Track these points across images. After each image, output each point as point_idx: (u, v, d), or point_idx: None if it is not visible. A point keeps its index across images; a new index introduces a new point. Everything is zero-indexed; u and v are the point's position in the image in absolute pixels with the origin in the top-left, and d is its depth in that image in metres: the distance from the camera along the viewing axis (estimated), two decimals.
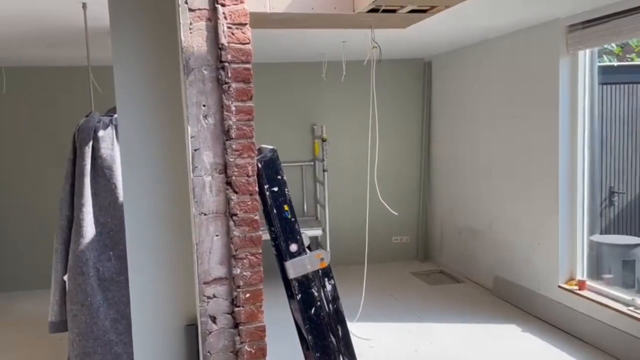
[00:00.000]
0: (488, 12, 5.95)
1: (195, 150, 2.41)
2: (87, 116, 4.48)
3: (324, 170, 8.49)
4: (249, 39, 2.43)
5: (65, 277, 4.50)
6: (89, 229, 4.40)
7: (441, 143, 9.26)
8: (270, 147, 2.59)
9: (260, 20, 5.53)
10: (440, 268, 9.25)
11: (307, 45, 7.67)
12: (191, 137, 2.40)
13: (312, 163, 9.33)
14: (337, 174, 9.06)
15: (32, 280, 8.24)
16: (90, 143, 4.38)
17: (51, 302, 4.66)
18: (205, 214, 2.41)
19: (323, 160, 8.49)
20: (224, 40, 2.40)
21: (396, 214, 6.47)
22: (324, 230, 8.47)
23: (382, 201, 6.08)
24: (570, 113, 6.15)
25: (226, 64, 2.40)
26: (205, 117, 2.42)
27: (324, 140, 8.48)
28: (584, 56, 6.08)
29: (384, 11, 5.36)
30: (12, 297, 8.26)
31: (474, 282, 8.31)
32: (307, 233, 2.77)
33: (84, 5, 4.28)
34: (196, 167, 2.42)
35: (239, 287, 2.44)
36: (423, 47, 8.47)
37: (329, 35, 6.80)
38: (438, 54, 9.14)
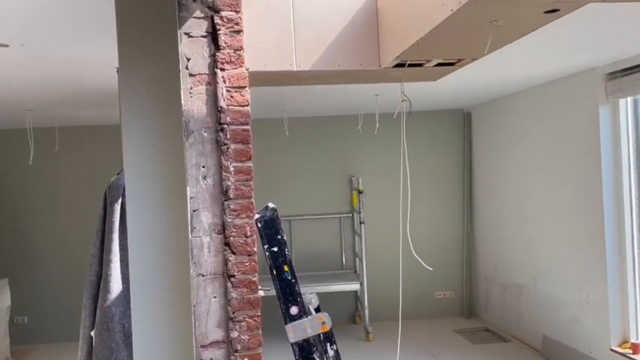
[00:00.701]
0: (523, 61, 5.86)
1: (194, 210, 2.42)
2: (118, 174, 4.63)
3: (360, 223, 8.39)
4: (248, 101, 2.47)
5: (93, 333, 4.55)
6: (116, 285, 4.46)
7: (483, 195, 9.00)
8: (272, 205, 2.57)
9: (288, 78, 5.67)
10: (486, 326, 8.80)
11: (342, 99, 7.76)
12: (190, 198, 2.42)
13: (350, 215, 9.25)
14: (375, 226, 8.93)
15: (66, 333, 8.41)
16: (120, 200, 4.52)
17: (78, 357, 4.71)
18: (203, 275, 2.39)
19: (360, 212, 8.41)
20: (223, 103, 2.44)
21: (431, 269, 6.25)
22: (361, 284, 8.28)
23: (416, 256, 5.92)
24: (614, 163, 5.86)
25: (225, 126, 2.44)
26: (204, 178, 2.44)
27: (360, 192, 8.42)
28: (626, 104, 5.83)
29: (410, 65, 5.40)
30: (46, 349, 8.45)
31: (521, 342, 7.83)
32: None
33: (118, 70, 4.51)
34: (195, 227, 2.42)
35: (236, 351, 2.38)
36: (461, 98, 8.40)
37: (363, 89, 6.86)
38: (477, 104, 9.04)
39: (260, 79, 5.74)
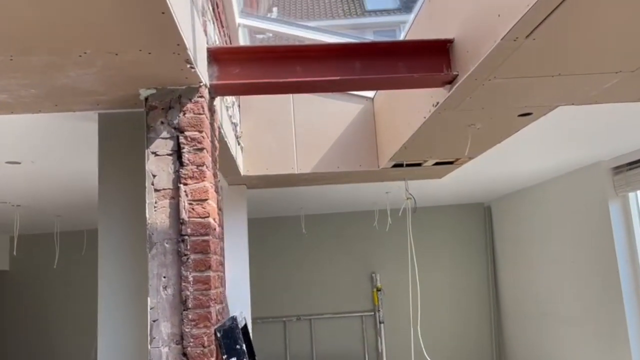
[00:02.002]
0: (531, 155, 5.90)
1: (154, 321, 2.49)
2: None
3: (380, 322, 8.17)
4: (209, 213, 2.60)
5: None
6: None
7: (508, 288, 8.69)
8: (232, 315, 2.61)
9: (290, 181, 5.88)
10: None
11: (356, 196, 7.88)
12: (150, 309, 2.50)
13: (372, 313, 9.03)
14: (396, 325, 8.66)
15: None
16: None
17: None
18: None
19: (379, 310, 8.21)
20: (184, 216, 2.58)
21: None
22: None
23: (428, 358, 5.70)
24: (630, 257, 5.64)
25: (186, 237, 2.56)
26: (165, 288, 2.53)
27: (379, 290, 8.28)
28: (636, 198, 5.71)
29: (410, 165, 5.53)
30: None
31: None
32: None
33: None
34: (154, 338, 2.47)
35: None
36: (481, 192, 8.40)
37: (373, 186, 6.97)
38: (496, 198, 8.98)
39: (263, 182, 6.01)
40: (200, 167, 2.64)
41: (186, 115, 2.67)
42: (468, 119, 3.69)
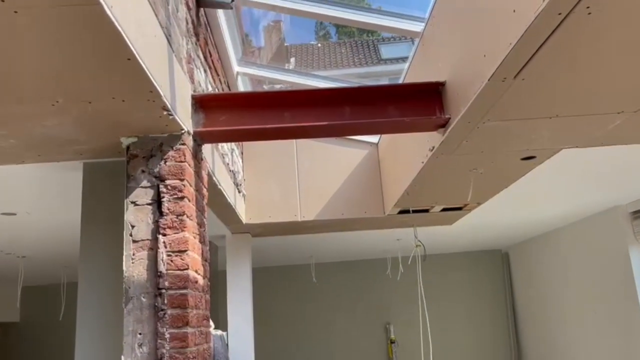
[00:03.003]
0: (548, 200, 5.70)
1: None
2: None
3: None
4: (188, 265, 2.48)
5: None
6: None
7: (529, 337, 8.26)
8: None
9: (294, 229, 5.74)
10: None
11: (366, 243, 7.69)
12: None
13: None
14: None
15: None
16: None
17: None
18: None
19: None
20: (162, 268, 2.46)
21: None
22: None
23: None
24: None
25: (163, 291, 2.43)
26: (140, 345, 2.39)
27: (392, 342, 7.94)
28: None
29: (417, 211, 5.37)
30: None
31: None
32: None
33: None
34: None
35: None
36: (497, 238, 8.13)
37: (383, 233, 6.79)
38: (514, 244, 8.69)
39: (266, 230, 5.88)
40: (180, 217, 2.54)
41: (167, 163, 2.59)
42: (468, 163, 3.55)
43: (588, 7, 1.75)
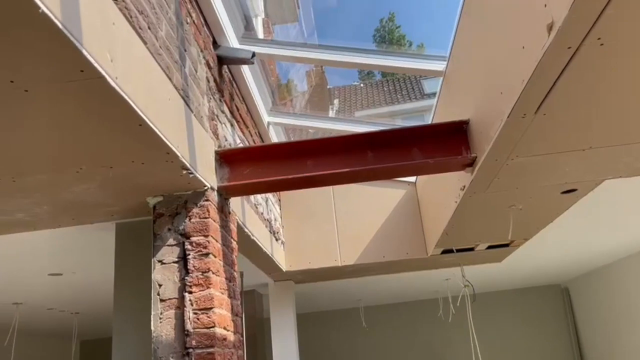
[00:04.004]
0: (613, 229, 5.41)
1: None
2: None
3: None
4: (214, 323, 2.46)
5: None
6: None
7: None
8: None
9: (335, 274, 5.66)
10: None
11: (415, 284, 7.48)
12: None
13: None
14: None
15: None
16: None
17: None
18: None
19: None
20: (189, 327, 2.45)
21: None
22: None
23: None
24: None
25: (191, 350, 2.41)
26: None
27: None
28: None
29: (461, 250, 5.18)
30: None
31: None
32: None
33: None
34: None
35: None
36: (556, 273, 7.73)
37: (432, 273, 6.59)
38: (574, 278, 8.23)
39: (308, 276, 5.82)
40: (205, 274, 2.54)
41: (192, 220, 2.62)
42: (505, 200, 3.42)
43: (599, 39, 1.67)
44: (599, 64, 1.83)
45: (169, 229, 2.64)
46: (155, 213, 2.68)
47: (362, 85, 21.51)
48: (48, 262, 3.97)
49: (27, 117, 1.78)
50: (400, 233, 5.21)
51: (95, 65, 1.56)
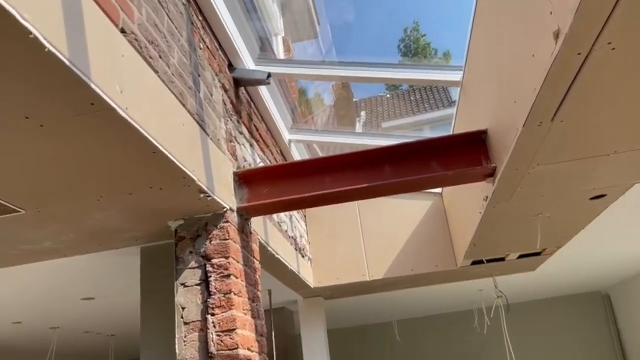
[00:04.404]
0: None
1: None
2: None
3: None
4: (238, 344, 2.47)
5: None
6: None
7: None
8: None
9: (364, 289, 5.61)
10: None
11: (448, 296, 7.35)
12: None
13: None
14: None
15: None
16: None
17: None
18: None
19: None
20: (213, 349, 2.46)
21: None
22: None
23: None
24: None
25: None
26: None
27: None
28: None
29: (491, 261, 5.07)
30: None
31: None
32: None
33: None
34: None
35: None
36: (595, 279, 7.48)
37: (464, 284, 6.46)
38: (615, 284, 7.95)
39: (337, 292, 5.78)
40: (227, 295, 2.55)
41: (212, 242, 2.64)
42: (531, 208, 3.34)
43: (610, 43, 1.63)
44: (612, 68, 1.78)
45: (191, 252, 2.67)
46: (177, 236, 2.72)
47: (388, 95, 21.48)
48: (80, 287, 4.06)
49: (44, 149, 1.83)
50: (428, 245, 5.14)
51: (105, 97, 1.60)
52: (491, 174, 2.78)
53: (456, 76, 3.36)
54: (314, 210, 5.33)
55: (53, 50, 1.36)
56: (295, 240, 4.50)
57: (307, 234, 5.23)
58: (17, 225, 2.51)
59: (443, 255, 5.10)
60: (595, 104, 2.04)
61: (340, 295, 5.74)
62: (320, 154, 5.37)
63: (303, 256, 4.78)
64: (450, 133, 3.83)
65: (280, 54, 6.42)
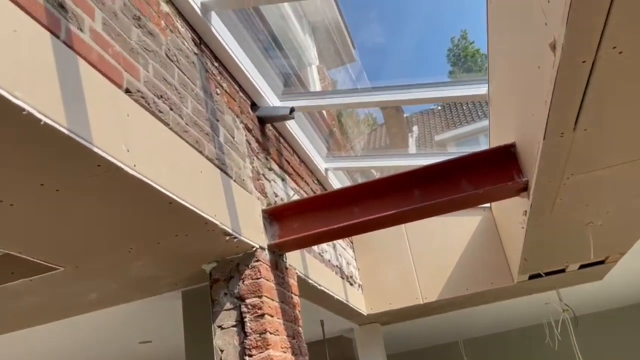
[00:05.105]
0: None
1: None
2: None
3: None
4: None
5: None
6: None
7: None
8: None
9: (419, 312, 5.45)
10: None
11: (514, 310, 7.02)
12: None
13: None
14: None
15: None
16: None
17: None
18: None
19: None
20: None
21: None
22: None
23: None
24: None
25: None
26: None
27: None
28: None
29: (550, 273, 4.81)
30: None
31: None
32: None
33: None
34: None
35: None
36: None
37: (529, 298, 6.16)
38: None
39: (392, 317, 5.64)
40: (262, 335, 2.55)
41: (245, 282, 2.66)
42: (579, 218, 3.16)
43: (615, 47, 1.53)
44: (626, 71, 1.68)
45: (225, 294, 2.70)
46: (211, 279, 2.76)
47: (439, 107, 21.24)
48: (136, 332, 4.19)
49: (66, 211, 1.92)
50: (481, 262, 4.95)
51: (110, 159, 1.66)
52: (524, 188, 2.66)
53: (483, 90, 3.27)
54: (360, 236, 5.27)
55: (50, 122, 1.43)
56: (340, 268, 4.46)
57: (354, 260, 5.18)
58: (62, 281, 2.63)
59: (498, 271, 4.89)
60: (619, 109, 1.92)
61: (397, 320, 5.61)
62: (360, 180, 5.33)
63: (352, 284, 4.72)
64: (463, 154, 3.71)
65: (316, 83, 6.49)
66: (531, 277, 4.77)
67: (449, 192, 2.73)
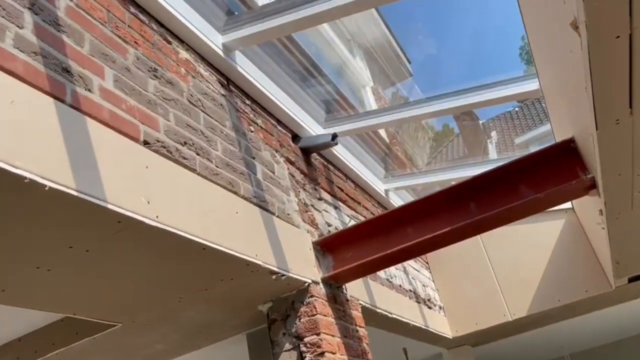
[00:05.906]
0: None
1: None
2: None
3: None
4: None
5: None
6: None
7: None
8: None
9: (509, 330, 5.06)
10: None
11: (622, 317, 6.36)
12: None
13: None
14: None
15: None
16: None
17: None
18: None
19: None
20: None
21: None
22: None
23: None
24: None
25: None
26: None
27: None
28: None
29: None
30: None
31: None
32: None
33: None
34: None
35: None
36: None
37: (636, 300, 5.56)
38: None
39: (481, 338, 5.26)
40: None
41: (301, 320, 2.56)
42: None
43: None
44: None
45: (284, 334, 2.61)
46: (269, 319, 2.69)
47: (516, 109, 20.44)
48: None
49: (101, 269, 1.93)
50: (571, 269, 4.53)
51: (128, 213, 1.64)
52: (592, 185, 2.38)
53: (534, 85, 3.02)
54: (435, 255, 5.02)
55: (56, 186, 1.43)
56: (415, 292, 4.24)
57: (432, 281, 4.92)
58: (123, 336, 2.66)
59: (592, 277, 4.45)
60: None
61: (486, 340, 5.25)
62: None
63: (430, 307, 4.48)
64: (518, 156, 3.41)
65: (372, 104, 6.38)
66: (631, 280, 4.29)
67: (507, 201, 2.50)
